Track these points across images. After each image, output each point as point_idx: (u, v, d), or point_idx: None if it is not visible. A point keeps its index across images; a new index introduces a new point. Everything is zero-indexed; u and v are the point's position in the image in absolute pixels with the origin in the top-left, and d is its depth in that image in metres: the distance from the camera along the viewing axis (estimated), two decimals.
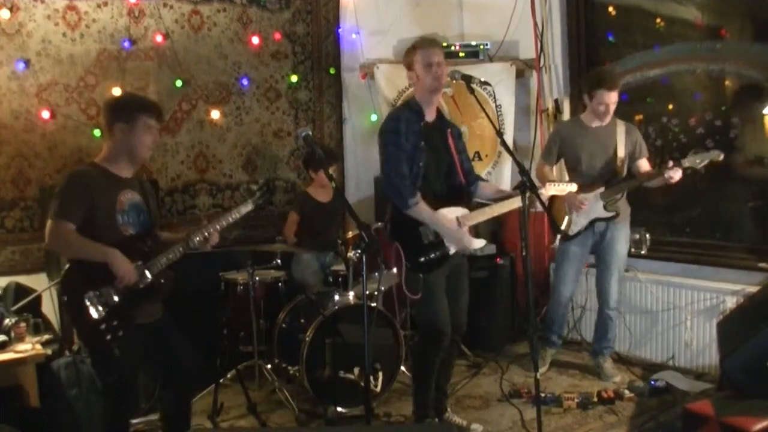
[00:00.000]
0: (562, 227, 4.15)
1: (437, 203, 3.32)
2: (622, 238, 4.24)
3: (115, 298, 2.83)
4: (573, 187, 3.60)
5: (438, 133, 3.44)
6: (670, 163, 3.89)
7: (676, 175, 3.86)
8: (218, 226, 3.06)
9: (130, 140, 2.94)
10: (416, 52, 3.34)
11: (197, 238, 3.01)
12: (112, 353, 2.82)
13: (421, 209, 3.27)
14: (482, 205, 3.48)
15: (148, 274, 2.90)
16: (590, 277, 4.59)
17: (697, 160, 3.85)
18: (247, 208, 3.14)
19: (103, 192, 2.88)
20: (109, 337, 2.80)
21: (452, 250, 3.36)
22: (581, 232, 4.20)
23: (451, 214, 3.35)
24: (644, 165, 4.20)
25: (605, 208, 4.12)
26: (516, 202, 3.32)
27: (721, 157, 3.86)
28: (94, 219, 2.84)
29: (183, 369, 3.05)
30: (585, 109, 4.24)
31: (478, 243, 3.45)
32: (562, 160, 4.33)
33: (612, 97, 4.02)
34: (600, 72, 4.31)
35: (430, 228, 3.32)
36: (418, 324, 3.57)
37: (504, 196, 3.45)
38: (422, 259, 3.31)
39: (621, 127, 4.16)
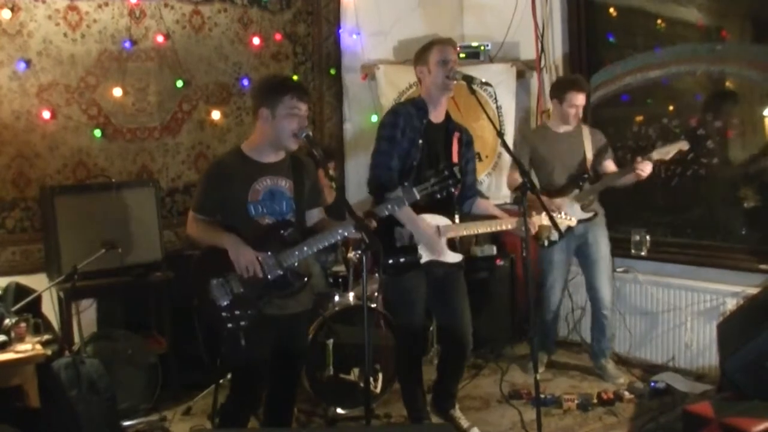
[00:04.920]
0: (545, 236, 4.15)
1: (421, 208, 3.25)
2: (603, 237, 4.30)
3: (240, 288, 2.77)
4: (572, 222, 3.65)
5: (441, 136, 3.39)
6: (639, 159, 3.96)
7: (646, 169, 3.92)
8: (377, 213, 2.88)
9: (273, 126, 2.81)
10: (433, 48, 3.30)
11: (349, 230, 2.79)
12: (238, 342, 2.76)
13: None
14: (467, 220, 3.46)
15: (277, 265, 2.79)
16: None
17: (665, 152, 3.93)
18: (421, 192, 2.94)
19: (237, 182, 2.81)
20: (230, 325, 2.75)
21: (423, 259, 3.31)
22: (562, 237, 4.21)
23: (433, 221, 3.31)
24: (611, 166, 4.28)
25: (583, 209, 4.14)
26: (504, 224, 3.33)
27: (687, 146, 3.95)
28: (227, 210, 2.83)
29: (285, 375, 3.01)
30: (549, 116, 4.31)
31: (453, 257, 3.40)
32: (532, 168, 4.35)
33: (581, 99, 4.12)
34: (569, 76, 4.51)
35: (406, 230, 3.27)
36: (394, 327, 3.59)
37: (495, 216, 3.42)
38: (390, 261, 3.28)
39: (586, 131, 4.26)
